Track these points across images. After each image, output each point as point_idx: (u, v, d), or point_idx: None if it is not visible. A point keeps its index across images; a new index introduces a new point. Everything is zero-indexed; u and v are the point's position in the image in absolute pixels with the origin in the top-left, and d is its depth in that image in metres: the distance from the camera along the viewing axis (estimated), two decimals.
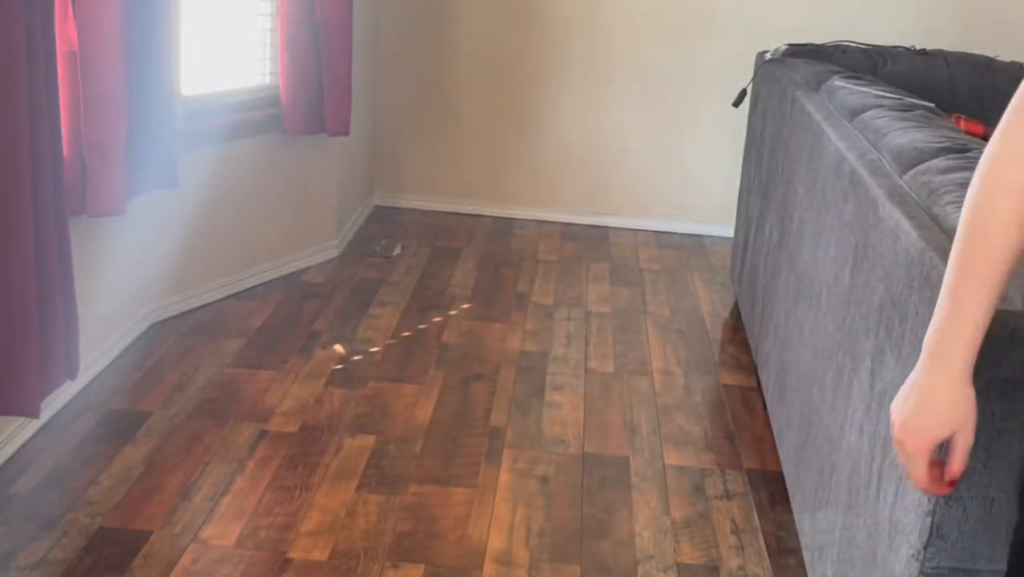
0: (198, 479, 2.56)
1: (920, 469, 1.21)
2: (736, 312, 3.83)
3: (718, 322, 3.81)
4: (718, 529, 2.52)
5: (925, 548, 1.49)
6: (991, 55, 3.75)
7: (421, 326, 3.56)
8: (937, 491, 1.23)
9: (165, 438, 2.73)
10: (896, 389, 1.66)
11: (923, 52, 3.67)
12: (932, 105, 2.62)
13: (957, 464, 1.21)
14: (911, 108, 2.53)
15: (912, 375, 1.21)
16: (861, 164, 2.16)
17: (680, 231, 4.82)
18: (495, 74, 4.73)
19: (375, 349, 3.33)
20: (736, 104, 3.78)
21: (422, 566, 2.30)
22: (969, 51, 3.76)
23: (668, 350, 3.53)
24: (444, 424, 2.93)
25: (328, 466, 2.67)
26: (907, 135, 2.22)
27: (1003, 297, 1.44)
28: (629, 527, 2.51)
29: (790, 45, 3.66)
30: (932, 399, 1.18)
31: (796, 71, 3.32)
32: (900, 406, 1.22)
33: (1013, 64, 3.72)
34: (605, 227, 4.83)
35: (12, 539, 2.28)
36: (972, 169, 1.93)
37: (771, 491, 2.69)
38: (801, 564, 2.28)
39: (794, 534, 2.39)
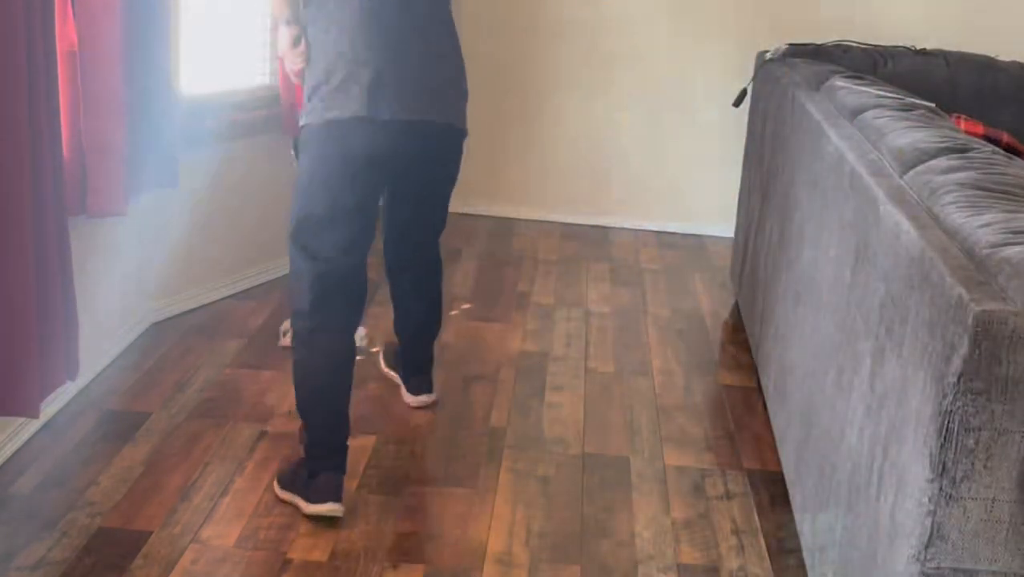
0: (198, 479, 2.56)
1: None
2: (736, 312, 3.83)
3: (718, 322, 3.81)
4: (718, 529, 2.52)
5: (925, 548, 1.49)
6: (991, 55, 3.74)
7: None
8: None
9: (165, 438, 2.73)
10: (896, 389, 1.66)
11: (923, 52, 3.67)
12: (932, 105, 2.62)
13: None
14: (911, 108, 2.53)
15: None
16: (861, 164, 2.16)
17: (680, 231, 4.82)
18: (495, 74, 4.73)
19: (375, 349, 3.33)
20: (736, 104, 3.78)
21: (422, 566, 2.30)
22: (969, 51, 3.76)
23: (668, 350, 3.53)
24: (444, 424, 2.93)
25: None
26: (907, 135, 2.21)
27: (1004, 296, 1.44)
28: (629, 527, 2.50)
29: (790, 45, 3.65)
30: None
31: (796, 71, 3.32)
32: None
33: (1013, 64, 3.72)
34: (605, 227, 4.83)
35: (12, 539, 2.27)
36: (972, 169, 1.93)
37: (771, 491, 2.69)
38: (801, 564, 2.28)
39: (794, 534, 2.39)
